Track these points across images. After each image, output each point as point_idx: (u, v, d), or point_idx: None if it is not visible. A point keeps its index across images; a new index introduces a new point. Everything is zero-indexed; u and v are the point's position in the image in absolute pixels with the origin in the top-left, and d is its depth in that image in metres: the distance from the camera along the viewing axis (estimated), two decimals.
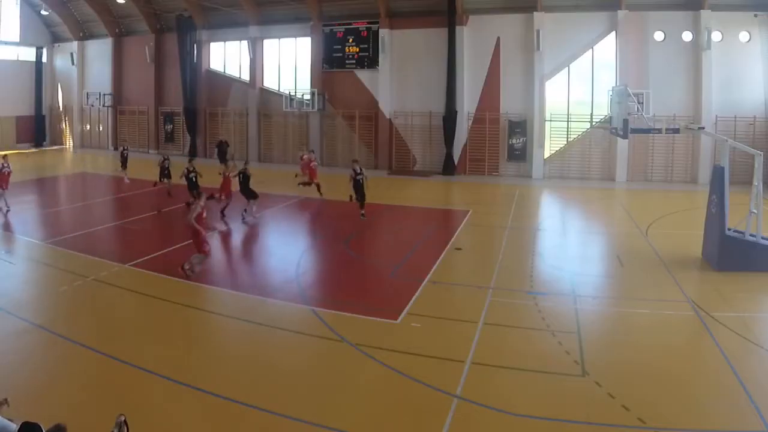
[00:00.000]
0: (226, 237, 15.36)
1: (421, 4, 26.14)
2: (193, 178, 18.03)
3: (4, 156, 17.31)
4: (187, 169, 17.98)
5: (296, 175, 21.40)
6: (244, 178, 16.42)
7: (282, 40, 29.91)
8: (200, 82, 31.49)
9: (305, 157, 21.88)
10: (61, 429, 3.84)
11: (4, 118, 34.68)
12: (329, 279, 11.82)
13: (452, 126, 25.46)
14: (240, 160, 20.15)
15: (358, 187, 16.23)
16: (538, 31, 24.08)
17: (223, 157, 25.43)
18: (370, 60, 27.26)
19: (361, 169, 16.42)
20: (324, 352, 7.99)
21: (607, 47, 23.97)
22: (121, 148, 23.94)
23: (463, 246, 13.74)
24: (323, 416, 6.21)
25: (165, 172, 19.53)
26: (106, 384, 6.95)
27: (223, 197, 16.74)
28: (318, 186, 19.62)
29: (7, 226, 15.33)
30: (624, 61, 23.31)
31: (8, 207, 16.72)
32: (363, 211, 16.28)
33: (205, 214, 11.54)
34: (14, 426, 3.88)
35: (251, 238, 15.42)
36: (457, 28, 25.12)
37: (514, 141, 25.21)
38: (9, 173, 16.93)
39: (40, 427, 3.74)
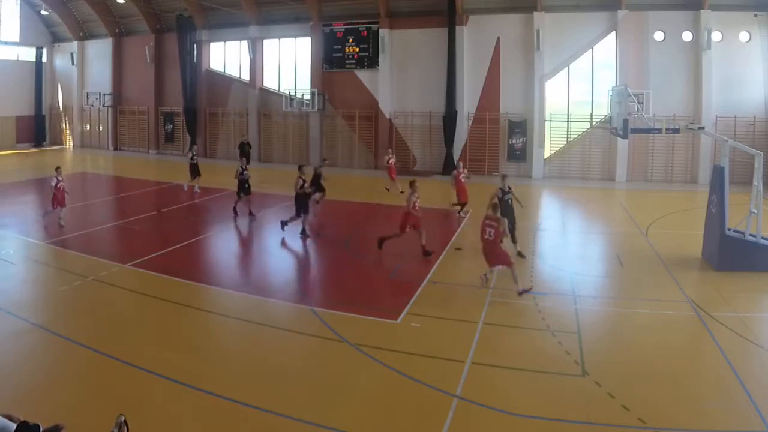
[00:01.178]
0: (232, 237, 15.36)
1: (421, 4, 26.14)
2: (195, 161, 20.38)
3: (57, 168, 15.40)
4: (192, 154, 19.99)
5: (387, 189, 20.77)
6: (316, 176, 16.57)
7: (282, 40, 29.91)
8: (200, 82, 31.50)
9: (391, 162, 21.07)
10: (60, 429, 3.82)
11: (4, 118, 34.71)
12: (329, 279, 11.82)
13: (452, 126, 25.46)
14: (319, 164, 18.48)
15: (507, 209, 12.48)
16: (538, 31, 24.08)
17: (246, 160, 24.41)
18: (370, 60, 27.26)
19: (510, 187, 12.92)
20: (324, 352, 7.99)
21: (607, 47, 23.97)
22: (191, 154, 21.16)
23: (463, 246, 13.72)
24: (323, 416, 6.21)
25: (245, 186, 16.47)
26: (106, 384, 6.95)
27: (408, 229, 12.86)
28: (463, 205, 17.06)
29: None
30: (624, 61, 23.32)
31: (63, 224, 14.96)
32: (518, 250, 12.66)
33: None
34: (14, 426, 3.87)
35: (252, 239, 15.42)
36: (457, 28, 25.12)
37: (514, 141, 25.22)
38: (64, 188, 15.09)
39: (38, 426, 3.73)
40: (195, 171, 20.53)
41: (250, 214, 16.33)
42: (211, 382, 6.92)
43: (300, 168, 14.95)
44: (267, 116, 30.24)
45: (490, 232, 10.22)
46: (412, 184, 12.82)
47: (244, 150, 24.10)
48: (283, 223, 14.67)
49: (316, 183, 16.75)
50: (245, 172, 16.55)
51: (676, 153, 23.52)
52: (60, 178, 15.04)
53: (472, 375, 7.20)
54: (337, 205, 18.53)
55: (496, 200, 12.19)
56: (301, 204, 14.32)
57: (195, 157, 20.82)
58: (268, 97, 30.11)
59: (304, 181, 14.49)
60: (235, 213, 16.45)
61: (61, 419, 4.07)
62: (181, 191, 20.50)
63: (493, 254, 10.24)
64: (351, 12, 27.55)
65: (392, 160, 21.37)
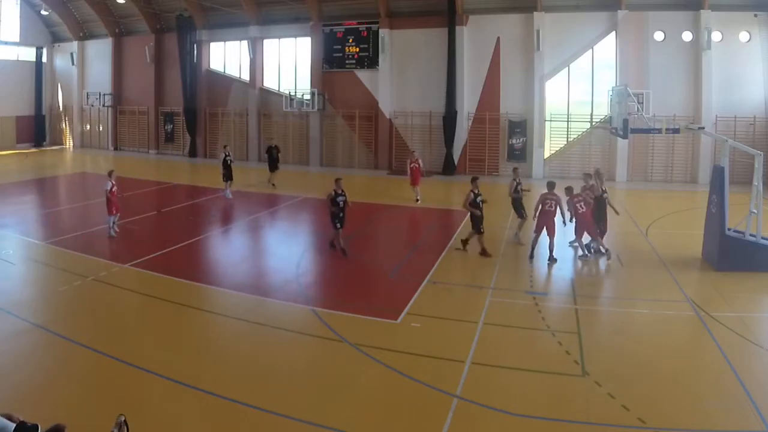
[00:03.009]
0: (232, 237, 15.36)
1: (421, 4, 26.14)
2: (229, 162, 19.21)
3: (110, 172, 14.45)
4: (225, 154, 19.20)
5: (417, 200, 18.73)
6: (601, 202, 12.75)
7: (282, 40, 29.91)
8: (200, 82, 31.50)
9: (414, 166, 19.17)
10: (60, 429, 3.83)
11: (4, 118, 34.70)
12: (329, 279, 11.82)
13: (452, 126, 25.45)
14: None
15: (602, 208, 12.63)
16: (538, 31, 24.08)
17: (274, 165, 22.01)
18: (370, 60, 27.25)
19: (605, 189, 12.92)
20: (324, 352, 8.00)
21: (607, 47, 23.96)
22: (224, 155, 19.49)
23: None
24: (323, 416, 6.21)
25: (340, 216, 12.61)
26: (106, 384, 6.95)
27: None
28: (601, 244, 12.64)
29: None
30: (624, 61, 23.31)
31: (115, 231, 14.19)
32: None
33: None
34: (12, 426, 3.87)
35: (252, 238, 15.41)
36: (457, 28, 25.11)
37: (514, 141, 25.22)
38: (116, 193, 14.07)
39: (37, 426, 3.75)
40: (229, 173, 19.30)
41: (341, 250, 12.68)
42: (211, 382, 6.93)
43: (474, 180, 12.91)
44: (267, 116, 30.23)
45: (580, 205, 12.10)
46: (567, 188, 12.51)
47: (273, 155, 22.05)
48: (464, 242, 13.00)
49: (517, 206, 14.31)
50: (340, 198, 12.55)
51: (676, 153, 23.52)
52: (113, 182, 14.09)
53: (472, 375, 7.20)
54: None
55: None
56: (476, 221, 12.61)
57: (229, 159, 19.33)
58: (268, 97, 30.10)
59: (476, 195, 12.58)
60: (333, 247, 12.96)
61: (61, 419, 4.08)
62: (222, 198, 19.30)
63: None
64: (351, 12, 27.54)
65: (414, 165, 19.29)
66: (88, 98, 34.64)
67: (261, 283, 11.26)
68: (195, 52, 31.17)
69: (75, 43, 35.45)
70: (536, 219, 12.44)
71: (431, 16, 25.77)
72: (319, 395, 6.74)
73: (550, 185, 12.57)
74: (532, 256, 12.41)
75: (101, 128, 35.64)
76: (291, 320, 9.17)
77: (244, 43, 30.19)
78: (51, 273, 11.45)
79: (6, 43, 34.12)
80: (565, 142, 25.21)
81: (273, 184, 21.83)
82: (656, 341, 8.29)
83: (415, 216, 17.83)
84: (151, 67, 32.87)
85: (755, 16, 22.21)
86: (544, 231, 12.25)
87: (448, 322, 9.01)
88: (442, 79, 25.50)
